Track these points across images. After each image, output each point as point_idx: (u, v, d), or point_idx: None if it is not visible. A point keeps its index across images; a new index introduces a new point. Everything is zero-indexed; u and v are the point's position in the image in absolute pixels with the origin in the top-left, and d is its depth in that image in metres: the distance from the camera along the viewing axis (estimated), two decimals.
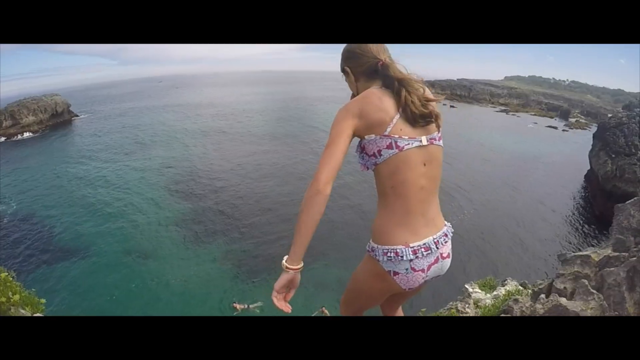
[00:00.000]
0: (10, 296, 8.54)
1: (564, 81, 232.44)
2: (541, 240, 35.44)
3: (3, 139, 77.93)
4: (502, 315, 7.99)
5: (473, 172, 52.12)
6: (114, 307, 24.52)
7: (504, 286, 11.08)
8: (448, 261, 2.30)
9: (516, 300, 8.48)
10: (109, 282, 26.84)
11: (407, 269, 2.06)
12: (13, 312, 8.25)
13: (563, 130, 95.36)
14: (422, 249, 2.06)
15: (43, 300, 9.03)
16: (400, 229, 2.05)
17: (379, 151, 1.99)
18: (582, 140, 74.14)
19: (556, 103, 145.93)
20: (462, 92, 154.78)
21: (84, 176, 48.51)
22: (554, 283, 7.83)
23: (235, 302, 24.58)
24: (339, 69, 2.51)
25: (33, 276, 27.22)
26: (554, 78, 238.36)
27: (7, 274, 9.27)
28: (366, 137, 2.02)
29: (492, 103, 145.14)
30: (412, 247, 2.04)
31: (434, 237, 2.12)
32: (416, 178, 2.02)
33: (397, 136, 1.97)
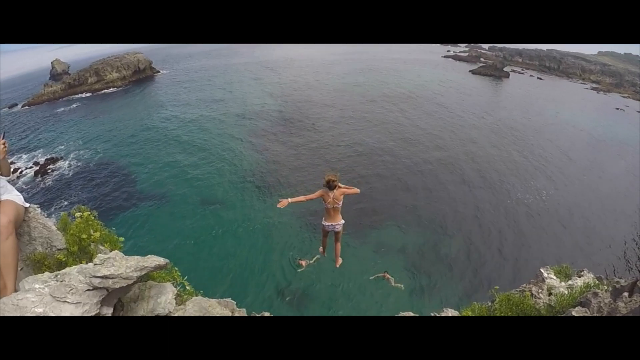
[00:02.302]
0: (92, 233, 8.44)
1: None
2: (619, 234, 32.38)
3: (89, 94, 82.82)
4: (578, 307, 7.06)
5: (559, 150, 48.94)
6: (194, 252, 26.19)
7: (580, 277, 9.99)
8: (338, 225, 8.49)
9: (595, 294, 7.48)
10: (188, 228, 28.33)
11: (325, 224, 8.55)
12: (93, 248, 8.22)
13: None
14: (327, 223, 8.51)
15: (122, 239, 9.01)
16: (325, 220, 8.53)
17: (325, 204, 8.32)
18: None
19: None
20: (551, 64, 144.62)
21: (167, 126, 50.38)
22: (638, 283, 6.89)
23: (300, 259, 25.56)
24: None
25: (114, 218, 29.22)
26: None
27: (89, 213, 9.25)
28: (325, 200, 8.21)
29: (583, 79, 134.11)
30: (325, 223, 8.55)
31: (334, 223, 8.46)
32: (331, 209, 8.32)
33: (328, 202, 8.18)
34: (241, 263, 25.71)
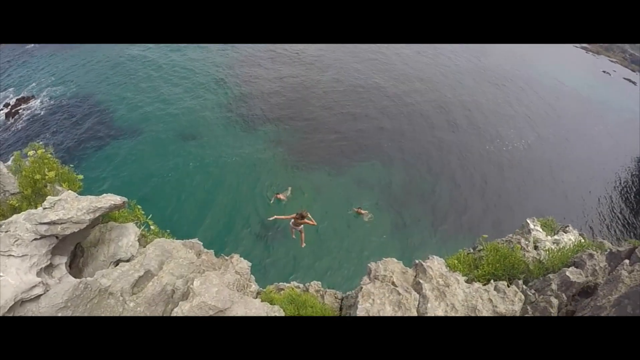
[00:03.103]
0: (46, 173, 7.89)
1: None
2: (593, 195, 33.59)
3: None
4: (572, 267, 6.98)
5: (544, 103, 48.47)
6: (172, 189, 26.09)
7: (565, 232, 10.02)
8: (300, 228, 13.92)
9: (590, 255, 7.34)
10: (168, 165, 28.02)
11: (291, 226, 14.29)
12: (49, 189, 7.71)
13: None
14: (293, 226, 13.97)
15: (80, 177, 8.51)
16: (292, 224, 13.86)
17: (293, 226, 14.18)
18: None
19: None
20: None
21: (147, 55, 47.26)
22: (637, 250, 7.04)
23: (277, 193, 25.83)
24: None
25: (90, 157, 28.24)
26: None
27: (44, 150, 8.61)
28: (295, 219, 13.60)
29: None
30: (292, 226, 14.22)
31: (297, 228, 13.94)
32: (297, 224, 13.78)
33: (297, 222, 13.64)
34: (219, 200, 25.75)
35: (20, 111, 34.69)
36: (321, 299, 7.98)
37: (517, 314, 6.67)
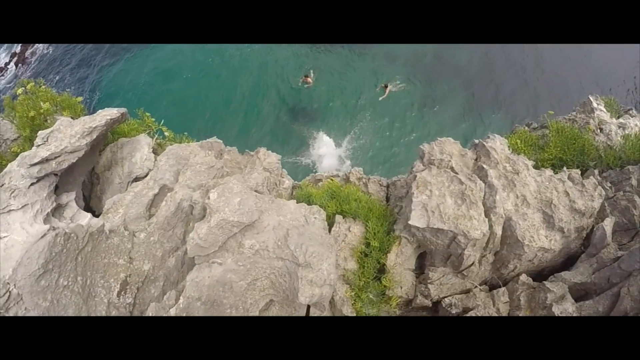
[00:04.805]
0: (41, 106, 7.24)
1: None
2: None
3: None
4: None
5: None
6: (190, 87, 25.54)
7: (632, 117, 8.59)
8: None
9: None
10: (184, 63, 27.09)
11: None
12: (50, 122, 7.09)
13: None
14: None
15: (79, 99, 7.84)
16: None
17: None
18: None
19: None
20: None
21: None
22: None
23: (306, 76, 24.54)
24: None
25: (117, 76, 27.79)
26: None
27: (33, 84, 7.90)
28: None
29: None
30: None
31: None
32: None
33: None
34: (244, 92, 24.99)
35: (27, 57, 33.69)
36: (364, 187, 7.27)
37: (596, 212, 5.88)
